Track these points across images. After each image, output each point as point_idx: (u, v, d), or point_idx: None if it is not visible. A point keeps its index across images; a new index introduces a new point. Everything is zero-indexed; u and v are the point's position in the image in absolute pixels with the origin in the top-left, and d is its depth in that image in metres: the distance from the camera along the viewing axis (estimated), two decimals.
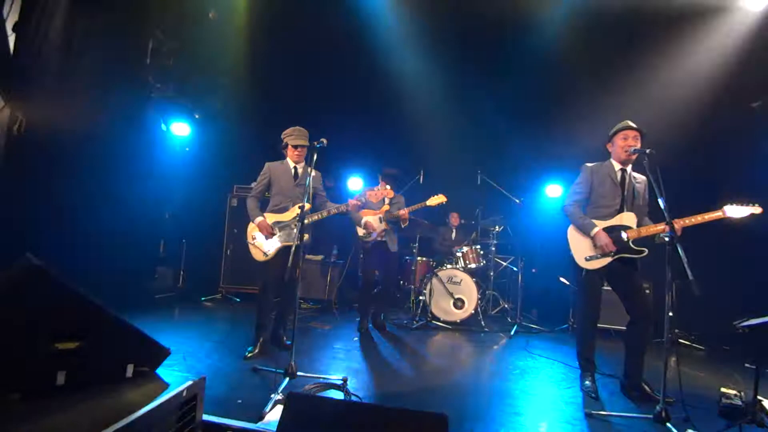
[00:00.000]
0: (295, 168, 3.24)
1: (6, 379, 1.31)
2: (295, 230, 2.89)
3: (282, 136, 3.22)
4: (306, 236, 2.93)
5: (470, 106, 6.03)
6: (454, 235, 5.84)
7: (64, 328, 1.44)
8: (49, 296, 1.40)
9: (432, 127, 6.15)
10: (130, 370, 1.58)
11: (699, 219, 2.41)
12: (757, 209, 2.41)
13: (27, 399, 1.32)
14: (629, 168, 2.73)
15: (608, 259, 2.58)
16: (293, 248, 2.38)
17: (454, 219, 5.90)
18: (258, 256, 3.14)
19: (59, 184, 3.77)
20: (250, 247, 3.17)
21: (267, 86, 5.85)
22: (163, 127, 5.41)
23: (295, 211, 3.08)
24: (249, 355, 2.92)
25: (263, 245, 3.10)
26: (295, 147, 3.15)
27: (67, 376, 1.44)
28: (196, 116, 5.85)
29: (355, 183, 6.18)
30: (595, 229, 2.60)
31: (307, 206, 2.95)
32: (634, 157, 2.63)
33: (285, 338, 3.22)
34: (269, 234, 3.07)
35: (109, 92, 4.33)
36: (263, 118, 6.11)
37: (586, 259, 2.64)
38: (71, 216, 3.89)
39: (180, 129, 5.54)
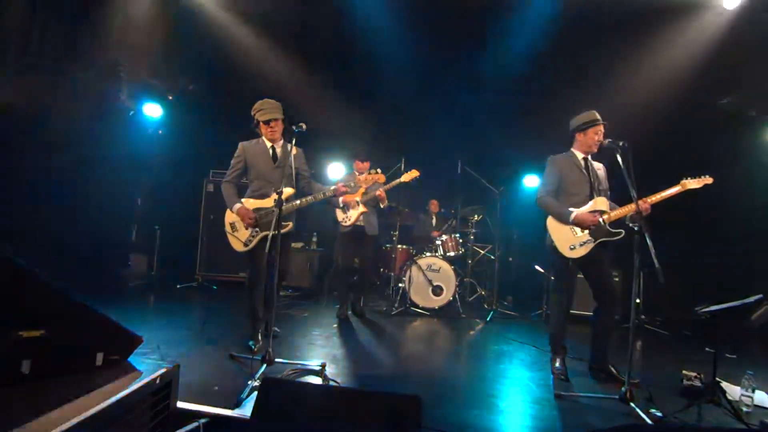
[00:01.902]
0: (273, 148, 2.93)
1: None
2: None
3: (251, 113, 2.90)
4: (290, 224, 2.78)
5: (451, 96, 6.04)
6: (434, 221, 5.91)
7: (27, 315, 1.38)
8: (10, 283, 1.34)
9: (413, 116, 6.14)
10: (99, 358, 1.54)
11: (664, 195, 2.62)
12: (708, 180, 2.69)
13: None
14: (589, 157, 2.86)
15: (591, 246, 2.66)
16: (269, 238, 2.26)
17: (434, 206, 5.95)
18: (238, 247, 2.88)
19: (23, 169, 3.58)
20: (229, 237, 2.90)
21: (244, 67, 5.67)
22: (131, 111, 5.17)
23: (275, 197, 2.82)
24: (255, 349, 2.75)
25: (243, 235, 2.84)
26: (267, 122, 2.83)
27: (32, 365, 1.39)
28: (169, 97, 5.64)
29: (335, 169, 6.12)
30: (573, 213, 2.68)
31: (290, 191, 2.79)
32: (597, 150, 2.79)
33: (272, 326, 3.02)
34: (250, 222, 2.79)
35: (75, 71, 4.12)
36: (240, 99, 5.93)
37: (571, 249, 2.70)
38: (36, 201, 3.71)
39: (152, 110, 5.32)
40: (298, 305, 4.54)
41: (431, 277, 4.65)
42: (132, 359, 1.65)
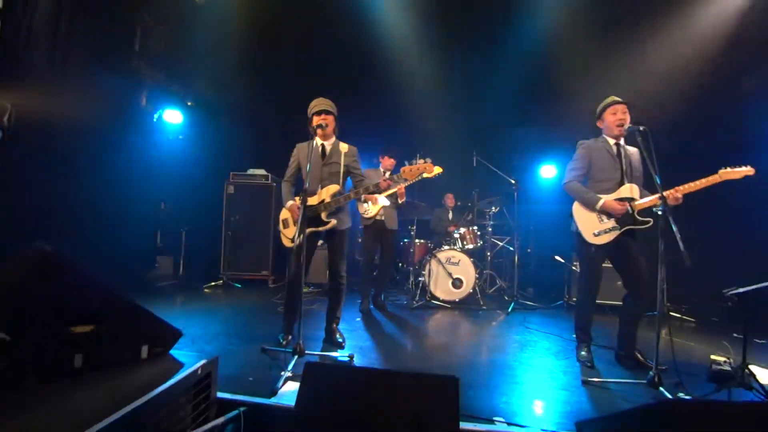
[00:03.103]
0: (323, 146, 2.91)
1: (24, 363, 1.35)
2: (323, 215, 2.75)
3: (308, 111, 2.93)
4: (333, 222, 2.77)
5: (465, 88, 6.02)
6: (450, 216, 5.91)
7: (78, 312, 1.47)
8: (62, 281, 1.43)
9: (427, 110, 6.14)
10: (144, 351, 1.62)
11: (698, 184, 2.48)
12: (749, 170, 2.50)
13: (45, 382, 1.36)
14: (622, 141, 2.78)
15: (617, 233, 2.63)
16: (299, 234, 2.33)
17: (450, 200, 5.96)
18: (286, 243, 2.94)
19: (51, 176, 3.73)
20: (281, 233, 2.99)
21: (260, 70, 5.77)
22: (155, 116, 5.34)
23: (323, 194, 2.81)
24: (284, 342, 2.81)
25: (290, 232, 2.90)
26: (319, 113, 2.83)
27: (83, 359, 1.48)
28: (189, 103, 5.78)
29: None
30: (602, 201, 2.64)
31: (335, 188, 2.81)
32: (624, 133, 2.69)
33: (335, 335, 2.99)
34: (296, 218, 2.81)
35: (98, 80, 4.26)
36: (257, 103, 6.05)
37: (595, 235, 2.67)
38: (64, 208, 3.86)
39: (172, 116, 5.47)
40: (321, 301, 4.63)
41: (451, 269, 4.67)
42: (172, 352, 1.74)
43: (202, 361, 1.65)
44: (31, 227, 3.50)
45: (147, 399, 1.34)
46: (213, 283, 5.20)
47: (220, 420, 1.62)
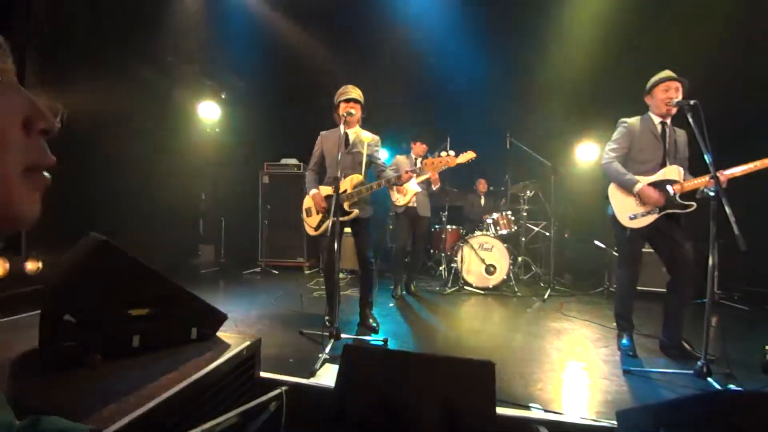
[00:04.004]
0: (346, 134, 2.86)
1: (90, 343, 1.48)
2: (345, 205, 2.77)
3: (334, 98, 2.93)
4: (355, 211, 2.79)
5: (496, 67, 5.81)
6: (482, 201, 5.81)
7: (135, 296, 1.60)
8: (118, 269, 1.55)
9: (455, 91, 6.00)
10: (194, 333, 1.74)
11: (751, 168, 2.30)
12: None
13: (108, 359, 1.50)
14: (669, 121, 2.61)
15: (654, 217, 2.50)
16: (329, 224, 2.37)
17: (482, 185, 5.85)
18: (310, 231, 3.01)
19: (99, 173, 3.98)
20: (304, 221, 3.04)
21: (291, 62, 5.84)
22: (191, 109, 5.54)
23: (345, 183, 2.81)
24: (330, 325, 2.76)
25: (314, 220, 2.95)
26: (347, 101, 2.82)
27: (141, 339, 1.60)
28: (223, 96, 5.96)
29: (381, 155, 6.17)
30: (639, 185, 2.51)
31: (359, 178, 2.83)
32: (674, 110, 2.51)
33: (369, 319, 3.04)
34: (321, 208, 2.87)
35: (135, 78, 4.46)
36: (288, 95, 6.14)
37: (630, 218, 2.55)
38: (113, 202, 4.12)
39: (209, 110, 5.67)
40: (353, 286, 4.73)
41: (484, 255, 4.61)
42: (219, 334, 1.85)
43: (247, 343, 1.75)
44: (83, 221, 3.76)
45: (199, 376, 1.44)
46: (252, 270, 5.42)
47: (264, 398, 1.71)
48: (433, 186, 3.95)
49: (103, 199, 3.99)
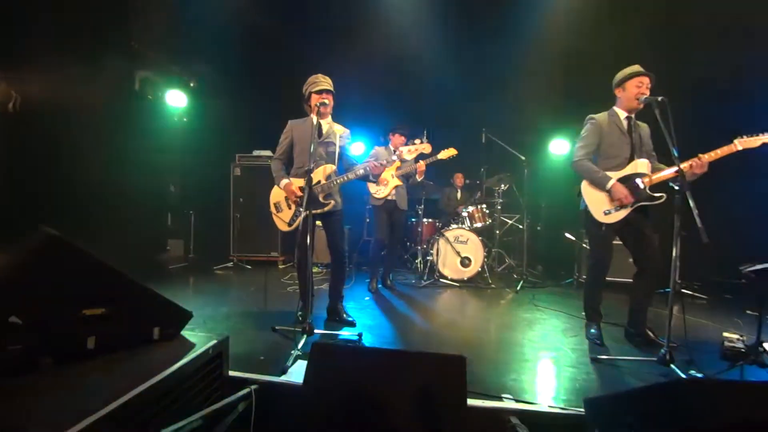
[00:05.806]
0: (319, 124, 2.81)
1: (38, 345, 1.37)
2: (320, 196, 2.72)
3: (303, 88, 2.86)
4: (331, 203, 2.74)
5: (472, 63, 5.83)
6: (459, 195, 5.85)
7: (89, 295, 1.49)
8: (70, 265, 1.44)
9: (434, 87, 5.99)
10: (156, 333, 1.65)
11: (713, 155, 2.39)
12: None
13: (60, 363, 1.39)
14: (633, 115, 2.68)
15: (627, 211, 2.56)
16: (302, 217, 2.32)
17: (459, 179, 5.89)
18: (282, 227, 2.86)
19: (58, 162, 3.74)
20: (274, 218, 2.88)
21: (262, 50, 5.65)
22: (150, 97, 5.25)
23: (318, 174, 2.75)
24: (301, 320, 2.68)
25: (286, 215, 2.83)
26: (319, 92, 2.75)
27: (96, 341, 1.50)
28: (191, 85, 5.72)
29: (357, 148, 6.09)
30: (611, 182, 2.56)
31: (331, 168, 2.77)
32: (642, 105, 2.58)
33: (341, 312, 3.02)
34: (296, 199, 2.76)
35: (96, 63, 4.21)
36: (261, 84, 5.95)
37: (605, 213, 2.61)
38: (75, 195, 3.89)
39: (176, 98, 5.42)
40: (328, 280, 4.66)
41: (459, 248, 4.65)
42: (184, 333, 1.76)
43: (213, 341, 1.68)
44: (35, 212, 3.53)
45: (159, 378, 1.36)
46: (223, 265, 5.26)
47: (232, 398, 1.65)
48: (418, 177, 3.95)
49: (62, 191, 3.76)
